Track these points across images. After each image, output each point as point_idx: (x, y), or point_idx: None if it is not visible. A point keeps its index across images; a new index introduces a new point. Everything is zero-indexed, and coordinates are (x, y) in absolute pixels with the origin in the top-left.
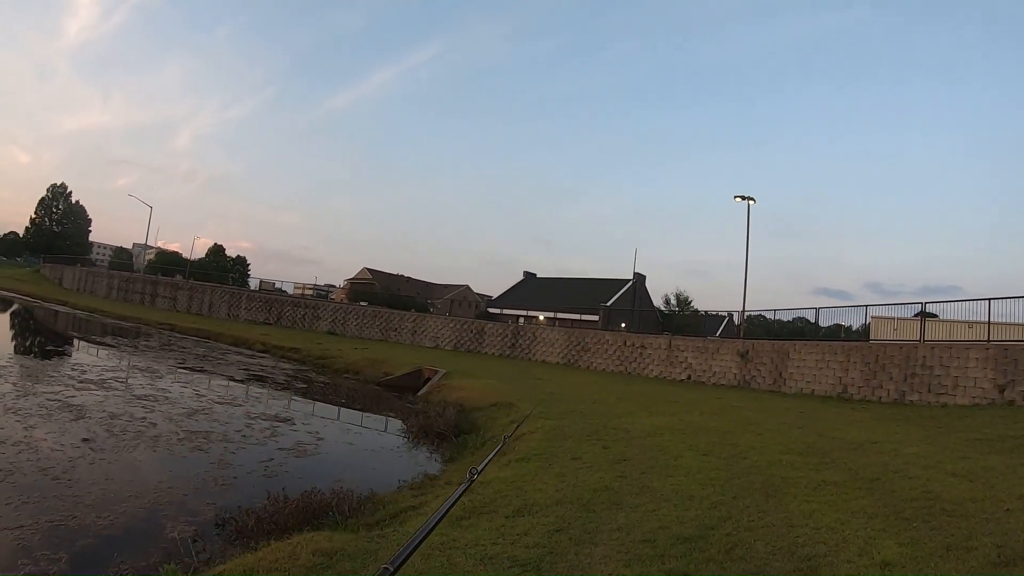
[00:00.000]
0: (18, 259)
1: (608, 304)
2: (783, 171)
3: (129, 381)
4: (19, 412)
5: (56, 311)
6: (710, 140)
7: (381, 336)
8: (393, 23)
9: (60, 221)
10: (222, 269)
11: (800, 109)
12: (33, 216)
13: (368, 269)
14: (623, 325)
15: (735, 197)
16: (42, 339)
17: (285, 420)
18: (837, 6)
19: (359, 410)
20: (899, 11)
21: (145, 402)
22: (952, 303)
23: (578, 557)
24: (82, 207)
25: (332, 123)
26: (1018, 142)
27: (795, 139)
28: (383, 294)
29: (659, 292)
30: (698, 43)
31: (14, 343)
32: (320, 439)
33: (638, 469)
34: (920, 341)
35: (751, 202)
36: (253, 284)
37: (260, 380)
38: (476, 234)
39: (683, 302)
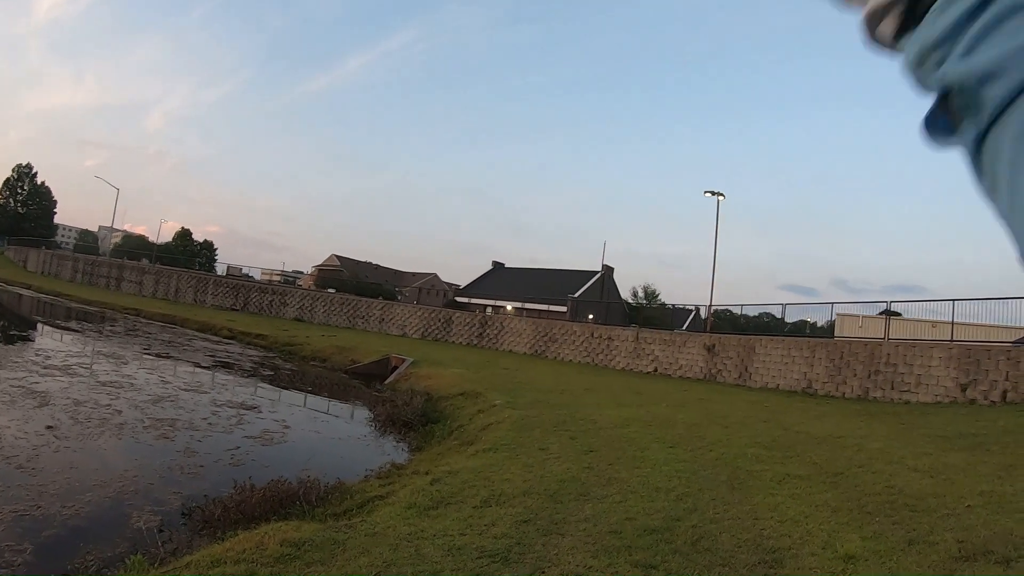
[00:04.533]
0: None
1: (576, 295)
2: (756, 167)
3: (94, 367)
4: None
5: (20, 294)
6: (683, 133)
7: (348, 323)
8: (369, 8)
9: (25, 202)
10: (189, 253)
11: (772, 102)
12: None
13: (336, 256)
14: (591, 316)
15: (705, 192)
16: (5, 323)
17: (252, 408)
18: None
19: (326, 398)
20: None
21: (110, 389)
22: (917, 303)
23: (545, 548)
24: (48, 188)
25: (305, 108)
26: None
27: (769, 133)
28: (351, 281)
29: (627, 283)
30: (678, 33)
31: None
32: (287, 427)
33: (605, 460)
34: (885, 339)
35: (721, 198)
36: (220, 269)
37: (227, 367)
38: (445, 223)
39: (650, 295)
